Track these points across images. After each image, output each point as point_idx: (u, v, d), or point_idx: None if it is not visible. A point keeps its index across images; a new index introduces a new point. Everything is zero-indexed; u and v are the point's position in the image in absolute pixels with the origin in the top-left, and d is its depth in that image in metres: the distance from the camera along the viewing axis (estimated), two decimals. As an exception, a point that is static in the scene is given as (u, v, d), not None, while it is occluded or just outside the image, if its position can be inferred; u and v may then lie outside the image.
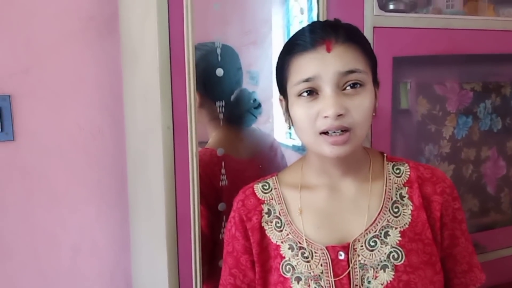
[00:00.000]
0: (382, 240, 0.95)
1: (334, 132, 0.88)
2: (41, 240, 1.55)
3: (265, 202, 1.03)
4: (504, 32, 1.48)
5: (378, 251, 0.94)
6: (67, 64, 1.52)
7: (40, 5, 1.48)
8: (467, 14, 1.51)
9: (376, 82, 0.97)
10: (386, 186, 0.99)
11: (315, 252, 0.95)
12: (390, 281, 0.92)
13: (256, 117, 1.33)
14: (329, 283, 0.93)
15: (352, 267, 0.93)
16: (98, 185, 1.60)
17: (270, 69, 1.27)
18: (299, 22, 1.35)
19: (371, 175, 1.00)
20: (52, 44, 1.50)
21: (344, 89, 0.90)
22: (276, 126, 1.37)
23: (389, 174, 1.01)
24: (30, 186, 1.52)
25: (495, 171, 1.63)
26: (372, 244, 0.95)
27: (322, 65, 0.89)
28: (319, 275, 0.94)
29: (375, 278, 0.92)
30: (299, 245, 0.97)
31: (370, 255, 0.94)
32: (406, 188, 0.99)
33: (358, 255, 0.94)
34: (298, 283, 0.95)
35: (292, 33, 0.98)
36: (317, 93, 0.90)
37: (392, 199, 0.98)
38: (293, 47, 0.93)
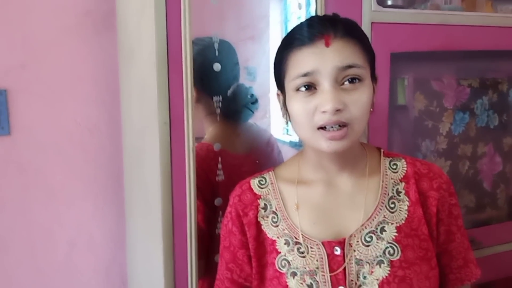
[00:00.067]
0: (378, 235, 0.95)
1: (332, 127, 0.88)
2: (37, 235, 1.55)
3: (262, 197, 1.03)
4: (501, 28, 1.48)
5: (374, 246, 0.94)
6: (63, 60, 1.52)
7: (37, 1, 1.47)
8: (465, 10, 1.51)
9: (374, 77, 0.97)
10: (382, 181, 0.99)
11: (311, 247, 0.95)
12: (386, 276, 0.92)
13: (253, 112, 1.33)
14: (325, 278, 0.93)
15: (347, 263, 0.93)
16: (95, 181, 1.60)
17: (267, 64, 1.27)
18: (297, 17, 1.35)
19: (367, 171, 1.00)
20: (49, 39, 1.50)
21: (342, 84, 0.89)
22: (273, 121, 1.36)
23: (386, 169, 1.01)
24: (26, 181, 1.51)
25: (492, 167, 1.64)
26: (368, 239, 0.95)
27: (321, 59, 0.88)
28: (315, 270, 0.94)
29: (371, 274, 0.92)
30: (295, 240, 0.97)
31: (366, 250, 0.94)
32: (403, 183, 0.99)
33: (354, 251, 0.94)
34: (293, 278, 0.95)
35: (290, 29, 0.97)
36: (315, 88, 0.90)
37: (388, 195, 0.98)
38: (292, 42, 0.92)
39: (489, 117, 1.60)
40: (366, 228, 0.95)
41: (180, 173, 1.15)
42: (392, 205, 0.97)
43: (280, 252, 0.98)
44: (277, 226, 1.00)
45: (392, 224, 0.96)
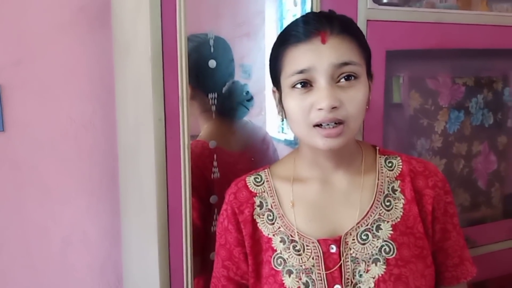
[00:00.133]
0: (373, 233, 0.95)
1: (328, 124, 0.88)
2: (32, 232, 1.54)
3: (257, 194, 1.02)
4: (496, 27, 1.48)
5: (370, 244, 0.94)
6: (58, 56, 1.51)
7: (31, -4, 1.46)
8: (460, 8, 1.51)
9: (370, 75, 0.97)
10: (378, 179, 0.99)
11: (307, 245, 0.95)
12: (382, 274, 0.92)
13: (248, 110, 1.33)
14: (320, 276, 0.93)
15: (343, 261, 0.93)
16: (89, 177, 1.59)
17: (263, 61, 1.27)
18: (293, 15, 1.35)
19: (363, 168, 1.00)
20: (44, 36, 1.49)
21: (338, 81, 0.89)
22: (268, 119, 1.36)
23: (381, 167, 1.01)
24: (20, 177, 1.51)
25: (486, 166, 1.64)
26: (364, 237, 0.95)
27: (317, 56, 0.88)
28: (311, 268, 0.94)
29: (367, 272, 0.92)
30: (290, 238, 0.97)
31: (361, 248, 0.94)
32: (398, 181, 0.99)
33: (350, 249, 0.94)
34: (289, 276, 0.95)
35: (285, 26, 0.97)
36: (311, 85, 0.90)
37: (384, 193, 0.98)
38: (288, 38, 0.92)
39: (484, 115, 1.61)
40: (361, 226, 0.95)
41: (175, 171, 1.15)
42: (388, 203, 0.97)
43: (276, 250, 0.97)
44: (273, 224, 1.00)
45: (387, 222, 0.96)
